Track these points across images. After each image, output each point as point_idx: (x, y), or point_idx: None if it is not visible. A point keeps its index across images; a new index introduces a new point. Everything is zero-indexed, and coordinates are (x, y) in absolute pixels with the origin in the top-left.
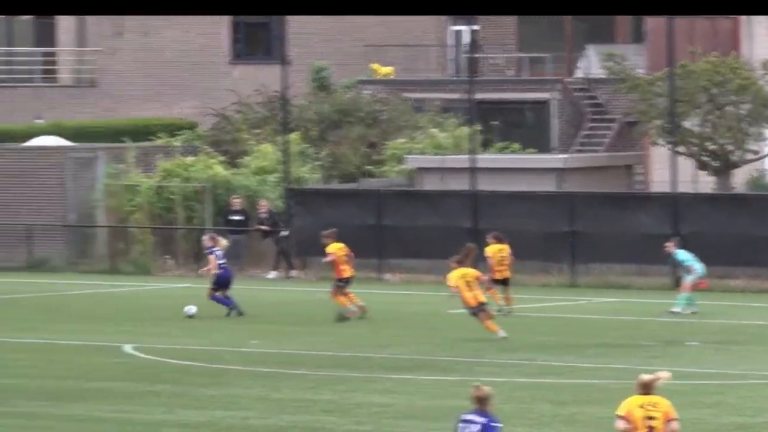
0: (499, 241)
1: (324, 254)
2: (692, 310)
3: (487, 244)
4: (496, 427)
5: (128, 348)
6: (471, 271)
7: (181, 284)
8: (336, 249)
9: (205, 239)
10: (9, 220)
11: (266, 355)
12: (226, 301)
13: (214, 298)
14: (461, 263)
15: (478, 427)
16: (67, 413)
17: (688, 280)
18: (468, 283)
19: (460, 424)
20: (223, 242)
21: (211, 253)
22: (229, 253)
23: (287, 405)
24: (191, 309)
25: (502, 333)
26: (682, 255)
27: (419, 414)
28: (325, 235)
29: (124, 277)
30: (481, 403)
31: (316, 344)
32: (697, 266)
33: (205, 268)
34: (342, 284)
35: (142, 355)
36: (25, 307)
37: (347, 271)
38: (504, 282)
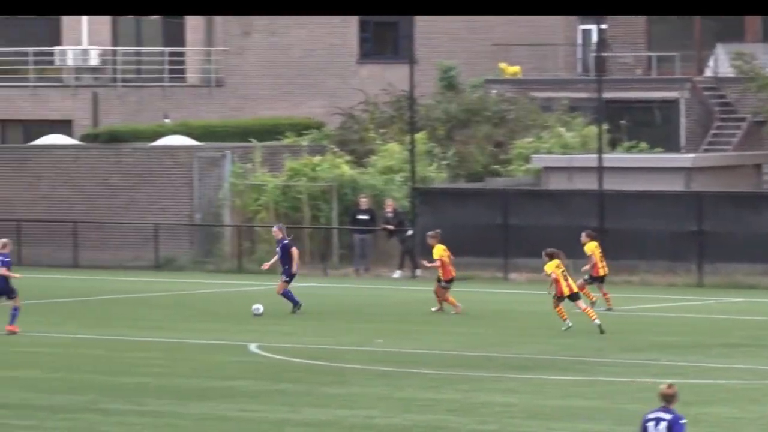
0: (593, 238)
1: (429, 254)
2: None
3: (584, 242)
4: (683, 423)
5: (253, 347)
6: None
7: (307, 283)
8: (442, 252)
9: (276, 230)
10: (137, 219)
11: (390, 354)
12: (295, 299)
13: (286, 292)
14: (552, 257)
15: (666, 423)
16: (192, 412)
17: None
18: (563, 273)
19: (649, 423)
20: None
21: (291, 246)
22: (354, 253)
23: (410, 404)
24: (259, 308)
25: (568, 323)
26: None
27: (543, 414)
28: (430, 236)
29: (250, 276)
30: (669, 401)
31: (440, 343)
32: None
33: (271, 261)
34: (447, 285)
35: (267, 354)
36: (152, 306)
37: (453, 271)
38: (602, 279)
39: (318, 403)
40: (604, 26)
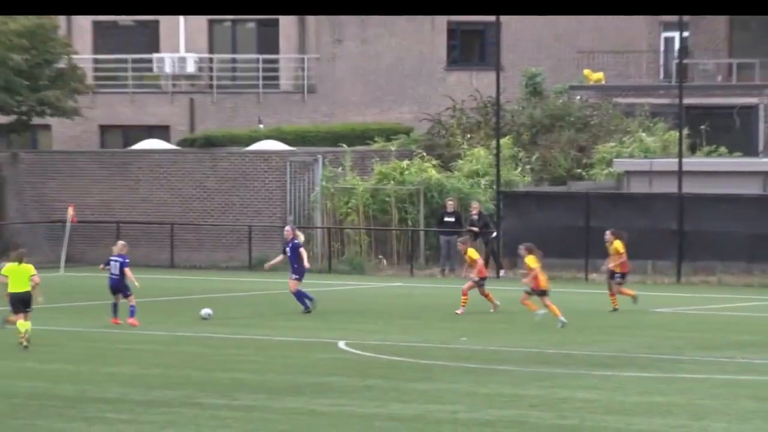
0: (619, 237)
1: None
2: None
3: (611, 241)
4: None
5: (342, 344)
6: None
7: (394, 283)
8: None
9: (288, 230)
10: (231, 221)
11: (474, 351)
12: (306, 303)
13: (299, 293)
14: (531, 251)
15: None
16: (284, 406)
17: None
18: (542, 268)
19: None
20: (301, 236)
21: (300, 245)
22: (441, 254)
23: (494, 400)
24: (208, 313)
25: (541, 312)
26: None
27: (623, 410)
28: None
29: (340, 276)
30: None
31: (523, 341)
32: None
33: (274, 261)
34: (483, 282)
35: (355, 351)
36: (246, 304)
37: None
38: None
39: (404, 399)
40: (686, 34)
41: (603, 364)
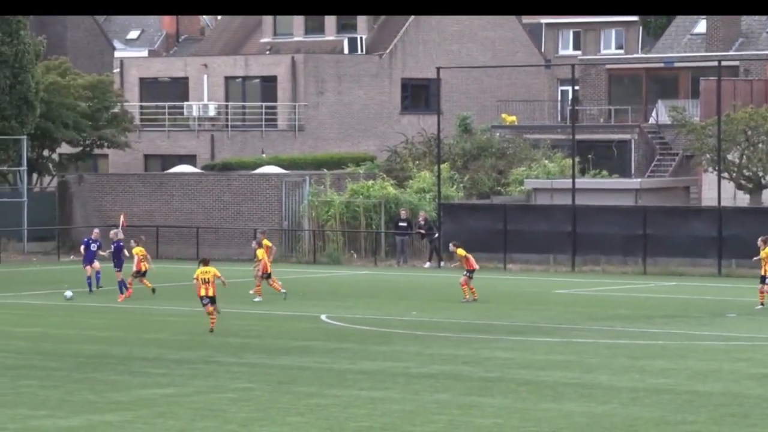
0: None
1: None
2: None
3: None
4: None
5: (323, 317)
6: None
7: (362, 271)
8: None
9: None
10: (241, 226)
11: (421, 322)
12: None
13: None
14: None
15: None
16: (279, 363)
17: None
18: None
19: None
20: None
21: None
22: (396, 250)
23: (436, 358)
24: (69, 294)
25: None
26: None
27: (532, 365)
28: (453, 244)
29: (322, 266)
30: None
31: (457, 315)
32: None
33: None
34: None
35: (334, 322)
36: (251, 287)
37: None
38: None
39: (370, 358)
40: (577, 87)
41: (517, 332)
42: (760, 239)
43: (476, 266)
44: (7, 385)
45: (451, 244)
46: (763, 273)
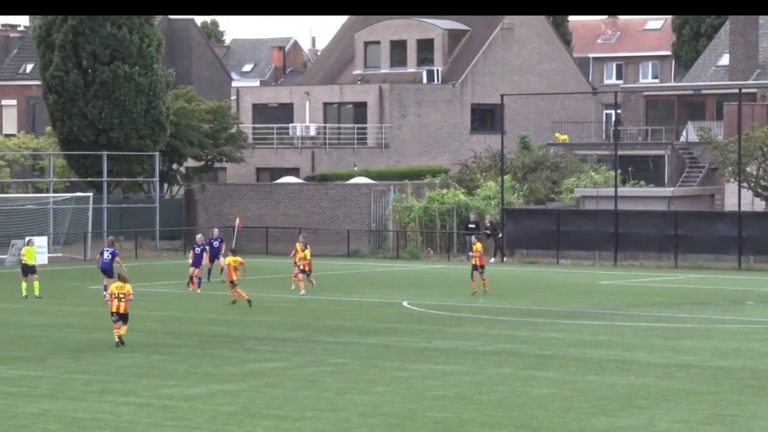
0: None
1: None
2: None
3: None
4: None
5: (405, 303)
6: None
7: (438, 266)
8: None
9: (198, 238)
10: (336, 227)
11: (487, 308)
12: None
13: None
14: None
15: None
16: (368, 342)
17: None
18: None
19: None
20: (200, 237)
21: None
22: (466, 247)
23: (499, 338)
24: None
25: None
26: None
27: (579, 344)
28: (476, 237)
29: (404, 261)
30: None
31: (517, 302)
32: None
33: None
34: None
35: (414, 308)
36: (345, 278)
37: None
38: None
39: (444, 338)
40: (619, 111)
41: (568, 316)
42: None
43: (485, 263)
44: (143, 360)
45: (473, 237)
46: None
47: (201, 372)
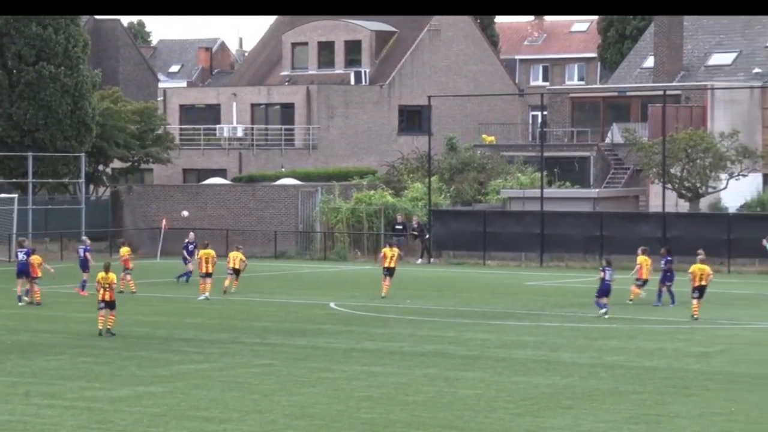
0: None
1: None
2: None
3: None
4: None
5: (332, 304)
6: None
7: (365, 267)
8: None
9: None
10: (264, 228)
11: (414, 309)
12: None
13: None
14: (391, 246)
15: None
16: (296, 343)
17: None
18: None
19: None
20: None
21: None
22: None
23: (426, 339)
24: (185, 213)
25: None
26: None
27: (506, 345)
28: (390, 244)
29: (331, 262)
30: None
31: (444, 303)
32: None
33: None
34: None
35: (341, 309)
36: (272, 279)
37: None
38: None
39: (371, 338)
40: (545, 113)
41: (494, 317)
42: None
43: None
44: (68, 362)
45: (389, 244)
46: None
47: (127, 374)
